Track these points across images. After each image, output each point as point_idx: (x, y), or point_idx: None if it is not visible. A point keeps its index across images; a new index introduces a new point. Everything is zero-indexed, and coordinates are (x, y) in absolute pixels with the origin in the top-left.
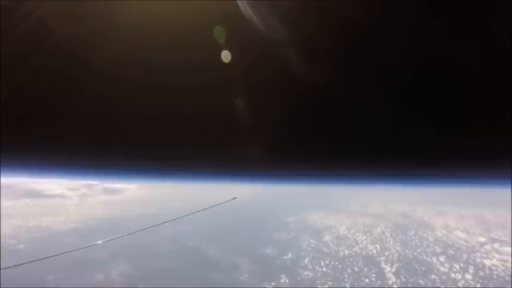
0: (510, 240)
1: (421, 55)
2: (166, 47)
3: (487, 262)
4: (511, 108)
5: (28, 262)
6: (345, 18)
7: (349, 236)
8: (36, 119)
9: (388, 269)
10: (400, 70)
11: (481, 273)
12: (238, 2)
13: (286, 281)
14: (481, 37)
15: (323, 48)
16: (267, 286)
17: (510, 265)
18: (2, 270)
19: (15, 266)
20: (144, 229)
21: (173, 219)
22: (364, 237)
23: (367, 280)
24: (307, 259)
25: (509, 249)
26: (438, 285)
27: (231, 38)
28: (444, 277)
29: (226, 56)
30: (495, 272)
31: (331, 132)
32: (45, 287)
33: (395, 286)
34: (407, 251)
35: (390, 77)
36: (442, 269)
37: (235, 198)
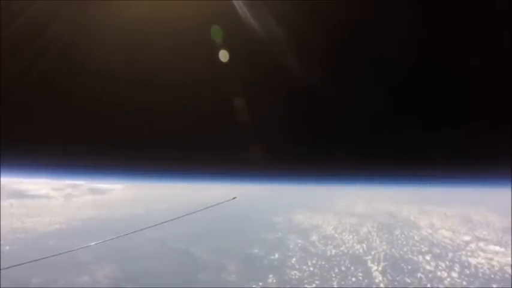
0: (495, 239)
1: (419, 54)
2: (160, 47)
3: (473, 260)
4: (510, 108)
5: (28, 262)
6: (343, 18)
7: (336, 235)
8: (21, 119)
9: (375, 267)
10: (397, 70)
11: (467, 272)
12: (234, 2)
13: (274, 280)
14: (480, 36)
15: (321, 48)
16: (254, 286)
17: (495, 263)
18: None
19: (14, 266)
20: (134, 232)
21: (165, 222)
22: (350, 236)
23: (354, 279)
24: (294, 259)
25: (495, 247)
26: (424, 283)
27: (227, 38)
28: (430, 275)
29: (224, 55)
30: (481, 270)
31: (319, 133)
32: None
33: (382, 285)
34: (393, 250)
35: (385, 76)
36: (428, 267)
37: (235, 198)
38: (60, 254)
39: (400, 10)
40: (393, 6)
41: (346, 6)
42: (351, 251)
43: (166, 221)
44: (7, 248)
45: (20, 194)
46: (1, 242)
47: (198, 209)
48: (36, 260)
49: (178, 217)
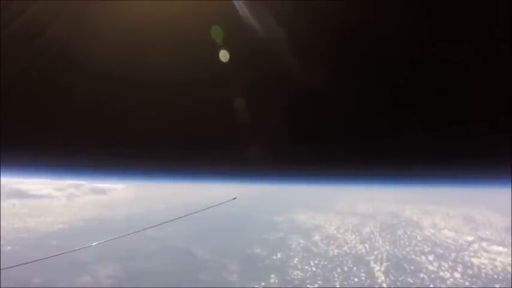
0: (498, 239)
1: (420, 54)
2: (161, 47)
3: (475, 261)
4: (510, 108)
5: (27, 262)
6: (344, 18)
7: (338, 235)
8: (23, 119)
9: (378, 268)
10: (397, 69)
11: (470, 272)
12: (235, 2)
13: (276, 281)
14: (481, 36)
15: (322, 48)
16: (256, 286)
17: (498, 263)
18: None
19: (12, 266)
20: (135, 232)
21: (168, 221)
22: (353, 236)
23: (356, 279)
24: (296, 259)
25: (497, 247)
26: (427, 283)
27: (228, 38)
28: (433, 276)
29: (224, 55)
30: (483, 271)
31: (320, 133)
32: None
33: (384, 285)
34: (396, 250)
35: (387, 76)
36: (430, 267)
37: (235, 198)
38: (59, 254)
39: (401, 10)
40: (394, 5)
41: (347, 6)
42: (353, 251)
43: (167, 221)
44: (9, 248)
45: (22, 194)
46: (3, 242)
47: (199, 209)
48: (36, 261)
49: (180, 217)
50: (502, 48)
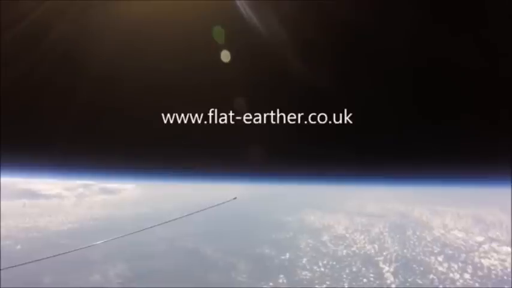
0: (508, 240)
1: (421, 54)
2: (163, 47)
3: (486, 262)
4: (510, 108)
5: (27, 262)
6: (346, 18)
7: (347, 235)
8: (32, 119)
9: (387, 268)
10: (400, 70)
11: (480, 273)
12: (237, 2)
13: (285, 281)
14: (481, 36)
15: (323, 49)
16: (265, 286)
17: (508, 264)
18: None
19: (14, 266)
20: (142, 230)
21: (173, 220)
22: (362, 237)
23: (365, 280)
24: (305, 259)
25: (508, 248)
26: (436, 284)
27: (229, 38)
28: (443, 277)
29: (225, 55)
30: (493, 272)
31: (328, 132)
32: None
33: (393, 286)
34: (405, 250)
35: (389, 76)
36: (440, 268)
37: (235, 198)
38: (61, 254)
39: (404, 12)
40: (396, 6)
41: (352, 7)
42: (362, 252)
43: (168, 221)
44: (19, 247)
45: (32, 194)
46: (14, 241)
47: (199, 209)
48: (36, 260)
49: (180, 217)
50: (502, 48)
